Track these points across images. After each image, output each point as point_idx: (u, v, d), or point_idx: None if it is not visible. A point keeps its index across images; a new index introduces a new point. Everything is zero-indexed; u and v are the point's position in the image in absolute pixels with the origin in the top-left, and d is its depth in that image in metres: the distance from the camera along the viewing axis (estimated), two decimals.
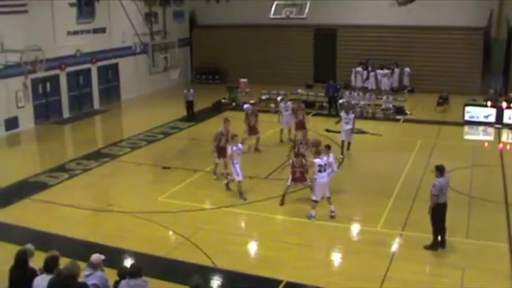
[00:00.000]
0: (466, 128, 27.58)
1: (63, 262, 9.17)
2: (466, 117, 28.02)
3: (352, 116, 22.40)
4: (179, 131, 27.57)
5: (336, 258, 14.41)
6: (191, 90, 29.31)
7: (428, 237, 14.19)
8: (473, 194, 17.94)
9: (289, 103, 25.05)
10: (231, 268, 13.46)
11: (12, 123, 27.31)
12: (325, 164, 16.02)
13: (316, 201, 16.06)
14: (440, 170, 14.04)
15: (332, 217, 16.09)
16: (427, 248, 14.16)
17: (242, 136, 21.88)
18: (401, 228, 15.43)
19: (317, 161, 15.97)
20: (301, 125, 23.00)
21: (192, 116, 29.08)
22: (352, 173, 20.94)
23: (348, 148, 22.56)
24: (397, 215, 16.33)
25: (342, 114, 22.86)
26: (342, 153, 22.14)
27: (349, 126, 22.28)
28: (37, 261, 10.00)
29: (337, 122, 26.39)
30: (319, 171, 15.91)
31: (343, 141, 22.42)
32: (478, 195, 17.80)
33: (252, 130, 23.09)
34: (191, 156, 23.12)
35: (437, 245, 14.16)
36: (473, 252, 14.15)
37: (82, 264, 9.41)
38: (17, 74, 26.60)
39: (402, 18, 34.82)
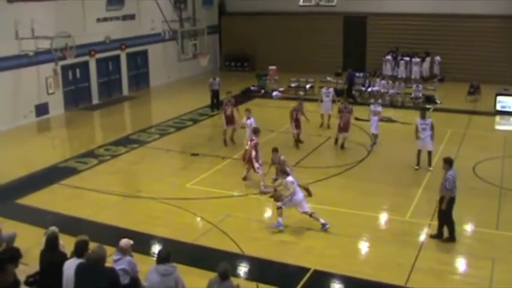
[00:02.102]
0: (498, 118, 27.18)
1: (93, 247, 9.24)
2: (498, 107, 27.61)
3: (429, 120, 19.28)
4: (208, 118, 27.61)
5: (364, 247, 14.33)
6: (217, 79, 28.79)
7: (457, 229, 14.07)
8: (505, 185, 17.70)
9: (331, 89, 24.88)
10: (259, 255, 13.50)
11: (42, 109, 27.64)
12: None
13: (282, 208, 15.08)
14: (449, 163, 13.90)
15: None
16: (432, 237, 14.16)
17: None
18: (430, 219, 15.23)
19: (289, 178, 14.95)
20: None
21: (217, 105, 28.36)
22: (381, 162, 20.73)
23: (430, 162, 19.28)
24: (426, 205, 16.20)
25: (418, 120, 19.32)
26: (430, 165, 19.18)
27: (428, 133, 19.12)
28: (67, 245, 10.11)
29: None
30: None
31: (420, 151, 19.39)
32: (509, 187, 17.55)
33: (229, 120, 22.80)
34: (219, 143, 23.14)
35: (442, 234, 14.08)
36: (503, 243, 13.99)
37: (111, 249, 9.48)
38: (47, 60, 26.86)
39: (433, 6, 34.42)
